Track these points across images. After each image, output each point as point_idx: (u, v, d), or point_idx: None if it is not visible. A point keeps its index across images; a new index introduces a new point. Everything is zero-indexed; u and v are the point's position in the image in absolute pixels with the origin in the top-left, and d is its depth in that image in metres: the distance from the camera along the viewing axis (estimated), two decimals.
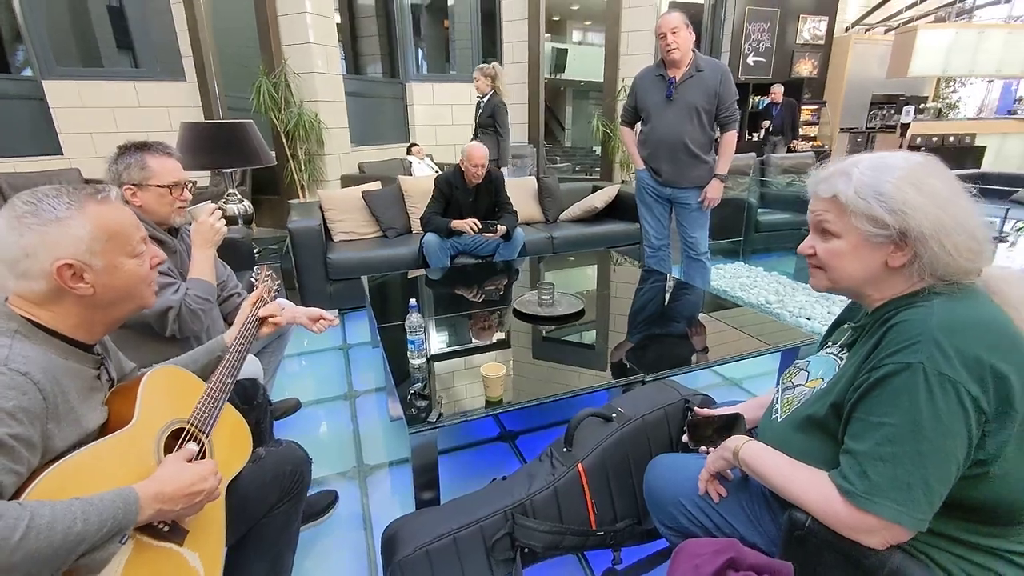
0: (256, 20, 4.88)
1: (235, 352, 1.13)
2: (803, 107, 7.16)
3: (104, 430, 0.84)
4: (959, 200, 0.75)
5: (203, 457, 0.91)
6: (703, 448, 1.08)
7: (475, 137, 4.34)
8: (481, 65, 4.23)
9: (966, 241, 0.72)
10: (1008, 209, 2.88)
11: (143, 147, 1.45)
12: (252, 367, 1.51)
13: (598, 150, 6.86)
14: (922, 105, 7.35)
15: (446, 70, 7.54)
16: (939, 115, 7.34)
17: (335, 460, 1.84)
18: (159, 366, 0.99)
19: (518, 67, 6.62)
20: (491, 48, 6.92)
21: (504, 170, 4.14)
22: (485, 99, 4.20)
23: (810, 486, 0.76)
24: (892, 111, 7.37)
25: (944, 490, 0.68)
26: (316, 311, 1.61)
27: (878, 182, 0.75)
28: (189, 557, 0.82)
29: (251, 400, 1.32)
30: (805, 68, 7.28)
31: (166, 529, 0.80)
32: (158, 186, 1.43)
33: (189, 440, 0.91)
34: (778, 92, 6.59)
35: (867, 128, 7.51)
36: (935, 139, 6.63)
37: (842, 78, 7.28)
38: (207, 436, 0.94)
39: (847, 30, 7.46)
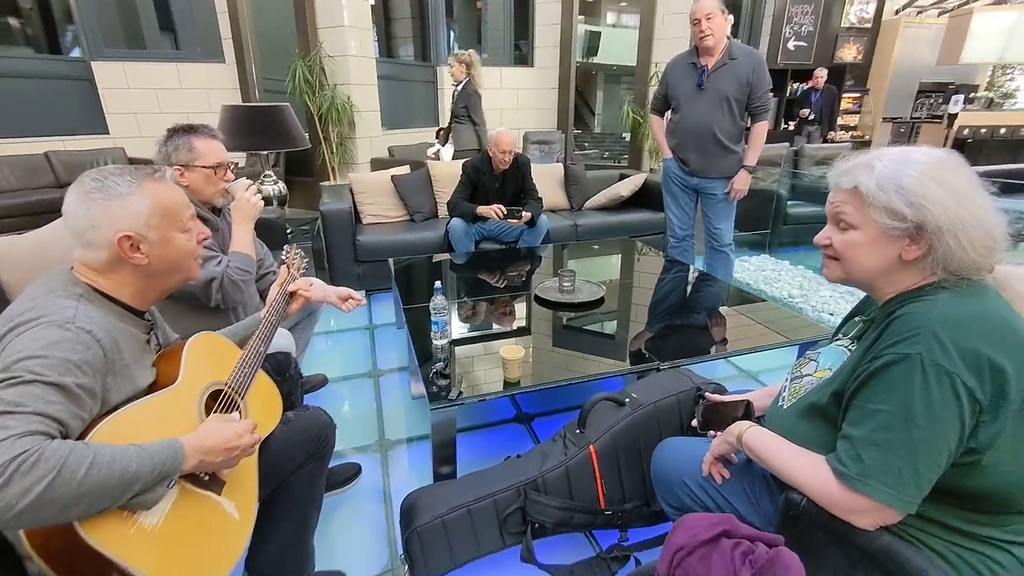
0: (293, 2, 4.98)
1: (267, 323, 1.21)
2: (844, 95, 6.90)
3: (152, 388, 0.94)
4: (977, 197, 0.76)
5: (240, 417, 1.00)
6: (711, 432, 1.11)
7: (450, 126, 4.26)
8: (456, 52, 4.16)
9: (982, 238, 0.73)
10: None
11: (190, 130, 1.54)
12: (285, 341, 1.60)
13: (628, 136, 6.77)
14: (972, 94, 6.98)
15: (478, 52, 7.53)
16: (990, 105, 6.97)
17: (358, 435, 1.93)
18: (201, 333, 1.08)
19: (549, 51, 6.57)
20: (523, 31, 6.88)
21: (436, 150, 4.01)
22: (460, 87, 4.11)
23: (807, 468, 0.79)
24: (940, 100, 7.03)
25: (934, 476, 0.70)
26: (345, 291, 1.69)
27: (900, 175, 0.76)
28: (226, 504, 0.91)
29: (284, 372, 1.41)
30: (849, 53, 6.99)
31: (206, 478, 0.89)
32: (204, 167, 1.52)
33: (227, 400, 1.00)
34: (821, 77, 6.29)
35: (912, 118, 7.20)
36: (983, 131, 6.32)
37: (888, 64, 6.96)
38: (242, 398, 1.03)
39: (897, 12, 7.11)
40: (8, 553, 0.74)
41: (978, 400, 0.68)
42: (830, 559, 0.77)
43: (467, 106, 4.10)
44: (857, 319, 0.96)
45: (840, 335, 0.98)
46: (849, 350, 0.89)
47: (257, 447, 0.99)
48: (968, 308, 0.72)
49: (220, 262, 1.51)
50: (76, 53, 5.05)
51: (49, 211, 4.12)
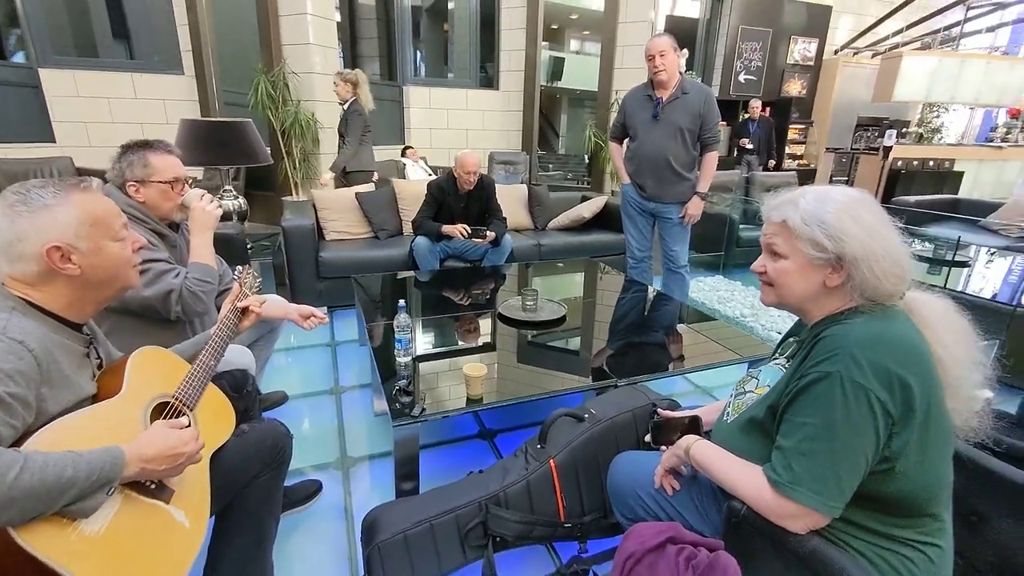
0: (257, 19, 4.95)
1: (217, 338, 1.20)
2: (791, 126, 7.35)
3: (95, 402, 0.92)
4: (887, 232, 0.86)
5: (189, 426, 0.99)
6: (663, 447, 1.17)
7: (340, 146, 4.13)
8: (342, 70, 4.06)
9: (891, 267, 0.83)
10: (959, 236, 3.04)
11: (145, 145, 1.52)
12: (245, 358, 1.58)
13: (589, 159, 6.99)
14: (905, 129, 7.57)
15: (444, 74, 7.64)
16: (920, 139, 7.57)
17: (320, 452, 1.91)
18: (146, 347, 1.07)
19: (514, 75, 6.73)
20: (489, 54, 7.03)
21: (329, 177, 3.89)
22: (346, 106, 4.01)
23: (745, 477, 0.86)
24: (876, 134, 7.59)
25: (855, 481, 0.78)
26: (307, 308, 1.69)
27: (821, 211, 0.86)
28: (175, 513, 0.90)
29: (241, 388, 1.39)
30: (794, 88, 7.48)
31: (153, 487, 0.89)
32: (160, 182, 1.50)
33: (174, 413, 1.00)
34: (756, 107, 6.49)
35: (852, 149, 7.72)
36: (915, 163, 6.84)
37: (829, 99, 7.48)
38: (191, 411, 1.02)
39: (836, 52, 7.68)
40: None
41: (890, 413, 0.77)
42: (767, 562, 0.83)
43: (347, 124, 3.97)
44: (791, 340, 1.05)
45: (778, 354, 1.07)
46: (784, 368, 0.98)
47: (204, 454, 0.99)
48: (881, 330, 0.81)
49: (178, 274, 1.49)
50: (20, 58, 4.84)
51: None
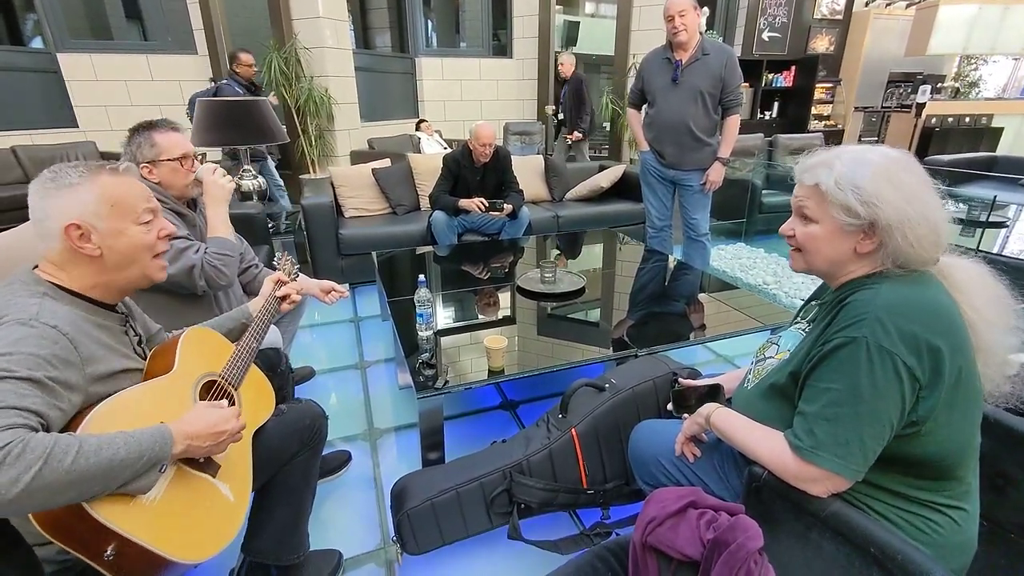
0: None
1: (259, 321, 1.26)
2: (818, 84, 7.05)
3: (146, 378, 0.97)
4: (926, 196, 0.82)
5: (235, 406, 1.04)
6: (685, 415, 1.18)
7: None
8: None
9: (928, 234, 0.80)
10: (995, 196, 2.91)
11: (149, 126, 1.53)
12: (273, 336, 1.62)
13: (608, 127, 6.83)
14: (940, 84, 7.19)
15: (456, 43, 7.49)
16: (956, 95, 7.20)
17: (347, 424, 1.98)
18: (195, 326, 1.12)
19: (528, 41, 6.57)
20: (501, 21, 6.85)
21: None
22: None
23: (767, 443, 0.87)
24: (909, 90, 7.23)
25: (878, 447, 0.78)
26: (328, 283, 1.72)
27: (856, 175, 0.82)
28: (220, 487, 0.96)
29: (275, 368, 1.44)
30: (821, 44, 7.14)
31: (201, 461, 0.94)
32: (169, 160, 1.52)
33: (220, 391, 1.04)
34: (564, 65, 5.18)
35: (882, 107, 7.39)
36: (950, 120, 6.52)
37: (859, 55, 7.13)
38: (236, 389, 1.07)
39: (867, 4, 7.27)
40: (18, 545, 0.77)
41: (917, 378, 0.76)
42: (788, 525, 0.84)
43: None
44: (814, 303, 1.03)
45: (799, 318, 1.06)
46: (805, 332, 0.97)
47: (246, 433, 1.03)
48: (909, 295, 0.80)
49: (197, 250, 1.51)
50: (38, 44, 4.89)
51: (19, 207, 4.02)
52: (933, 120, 6.50)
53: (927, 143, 6.41)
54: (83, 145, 4.72)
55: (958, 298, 0.82)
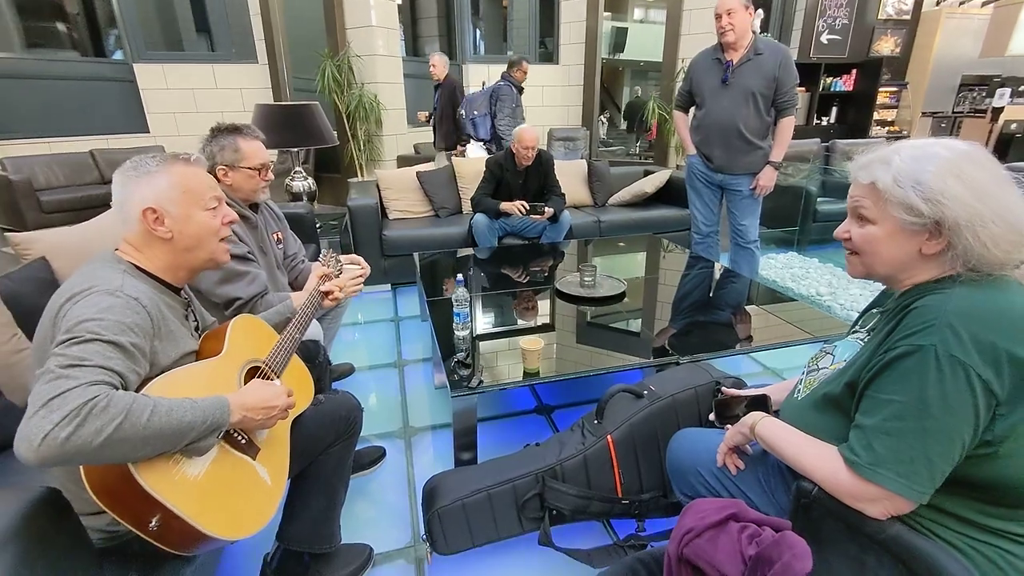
0: (323, 3, 5.09)
1: (303, 314, 1.29)
2: (881, 89, 6.67)
3: (197, 360, 1.02)
4: (1001, 192, 0.74)
5: None
6: (728, 425, 1.12)
7: None
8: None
9: (1005, 233, 0.72)
10: None
11: (235, 130, 1.57)
12: (314, 330, 1.67)
13: (651, 132, 6.70)
14: (1021, 88, 6.67)
15: (503, 50, 7.56)
16: None
17: (384, 421, 2.00)
18: (244, 315, 1.17)
19: (575, 48, 6.54)
20: (548, 28, 6.87)
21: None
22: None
23: (819, 458, 0.80)
24: (984, 94, 6.74)
25: (947, 467, 0.70)
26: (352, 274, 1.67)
27: (918, 171, 0.76)
28: (259, 469, 0.99)
29: (313, 359, 1.47)
30: (886, 46, 6.76)
31: (243, 442, 0.97)
32: (249, 168, 1.57)
33: (264, 377, 1.08)
34: (436, 66, 4.55)
35: (953, 112, 6.92)
36: None
37: (928, 57, 6.71)
38: (279, 376, 1.10)
39: (938, 3, 6.84)
40: (68, 515, 0.81)
41: (994, 393, 0.68)
42: (840, 545, 0.78)
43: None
44: (874, 311, 0.96)
45: (857, 327, 0.98)
46: (864, 342, 0.90)
47: (291, 414, 1.06)
48: (986, 301, 0.72)
49: (252, 282, 1.48)
50: (119, 56, 5.28)
51: (94, 206, 4.33)
52: (1013, 125, 6.02)
53: (1005, 149, 5.94)
54: (153, 149, 5.03)
55: None
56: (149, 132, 5.37)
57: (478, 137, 4.53)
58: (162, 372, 0.89)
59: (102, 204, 1.21)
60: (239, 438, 0.96)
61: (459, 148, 4.66)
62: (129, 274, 0.95)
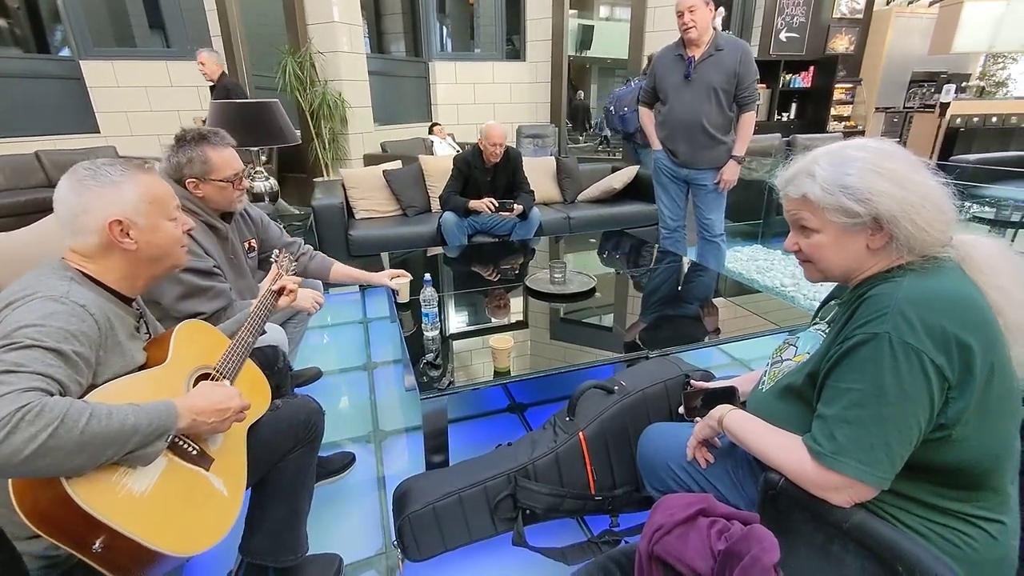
0: None
1: (255, 317, 1.24)
2: (837, 85, 6.90)
3: (142, 370, 0.96)
4: (920, 177, 0.78)
5: None
6: (697, 418, 1.13)
7: None
8: None
9: (935, 214, 0.76)
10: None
11: (202, 139, 1.46)
12: (278, 336, 1.60)
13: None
14: (964, 83, 7.00)
15: (470, 48, 7.50)
16: (982, 94, 7.00)
17: (353, 425, 1.95)
18: (189, 320, 1.11)
19: (542, 45, 6.55)
20: (515, 26, 6.85)
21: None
22: None
23: (784, 448, 0.81)
24: (932, 90, 7.05)
25: (905, 452, 0.72)
26: (317, 293, 1.65)
27: (840, 176, 0.78)
28: (214, 481, 0.94)
29: (272, 365, 1.42)
30: (841, 44, 7.00)
31: (195, 453, 0.92)
32: (220, 180, 1.47)
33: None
34: (208, 65, 4.00)
35: (904, 107, 7.22)
36: (976, 119, 6.33)
37: (880, 55, 6.97)
38: (231, 382, 1.06)
39: (888, 3, 7.12)
40: (1, 542, 0.75)
41: (946, 377, 0.70)
42: (807, 536, 0.78)
43: None
44: (833, 303, 0.98)
45: (818, 319, 1.00)
46: (825, 333, 0.91)
47: (242, 428, 1.03)
48: (933, 287, 0.74)
49: (216, 297, 1.43)
50: (65, 52, 5.02)
51: (40, 211, 4.09)
52: (958, 120, 6.31)
53: (952, 143, 6.23)
54: (103, 150, 4.80)
55: (980, 279, 0.77)
56: (99, 132, 5.12)
57: (627, 132, 4.49)
58: (101, 384, 0.84)
59: (49, 208, 1.14)
60: (190, 449, 0.92)
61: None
62: (76, 281, 0.90)
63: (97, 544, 0.73)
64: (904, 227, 0.75)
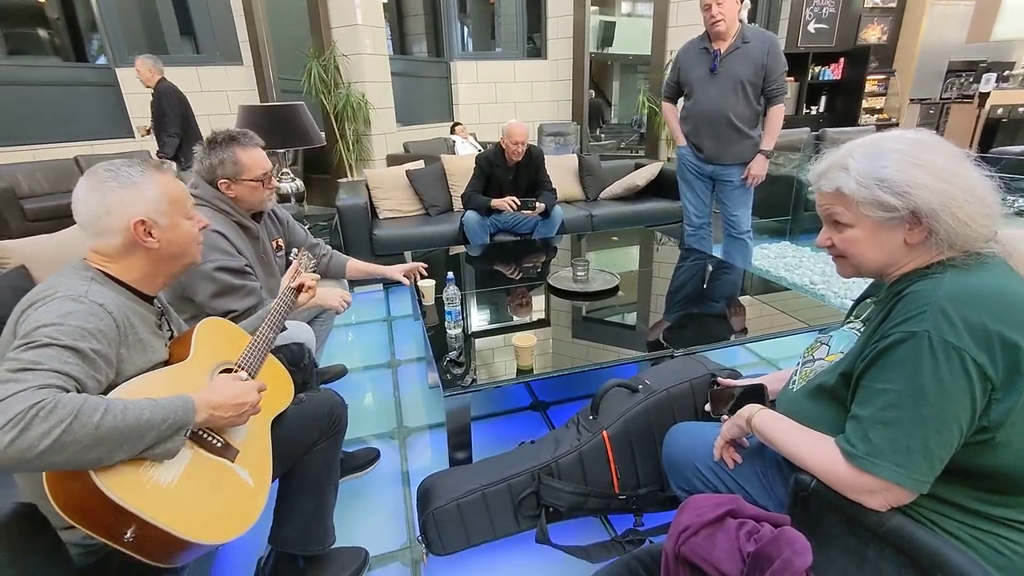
0: (307, 3, 5.03)
1: (275, 313, 1.25)
2: (869, 77, 6.68)
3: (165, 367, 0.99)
4: (962, 169, 0.74)
5: None
6: (723, 417, 1.11)
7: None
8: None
9: (978, 207, 0.73)
10: None
11: (232, 140, 1.50)
12: (305, 335, 1.63)
13: (642, 126, 6.69)
14: (1007, 72, 6.69)
15: (491, 47, 7.51)
16: None
17: (378, 422, 1.97)
18: (211, 318, 1.14)
19: (563, 42, 6.51)
20: (536, 24, 6.83)
21: None
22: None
23: (816, 450, 0.79)
24: (971, 79, 6.77)
25: (945, 454, 0.69)
26: (344, 292, 1.68)
27: (876, 168, 0.75)
28: (240, 472, 0.96)
29: (298, 362, 1.44)
30: (873, 34, 6.77)
31: (219, 445, 0.95)
32: (251, 180, 1.52)
33: None
34: (144, 71, 3.93)
35: (941, 99, 6.94)
36: (1020, 110, 6.05)
37: (915, 44, 6.72)
38: (253, 377, 1.08)
39: None
40: (44, 529, 0.78)
41: (989, 377, 0.67)
42: (840, 539, 0.76)
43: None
44: (868, 300, 0.94)
45: (852, 317, 0.97)
46: (860, 332, 0.88)
47: (264, 419, 1.05)
48: (975, 283, 0.71)
49: (247, 295, 1.46)
50: (102, 61, 5.20)
51: None
52: (1000, 110, 6.05)
53: (992, 135, 5.97)
54: (138, 154, 4.97)
55: None
56: (134, 137, 5.29)
57: None
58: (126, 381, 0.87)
59: None
60: (214, 441, 0.94)
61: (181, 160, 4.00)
62: (96, 281, 0.93)
63: (128, 534, 0.75)
64: (944, 221, 0.72)
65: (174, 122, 4.04)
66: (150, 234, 0.97)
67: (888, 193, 0.74)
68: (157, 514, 0.76)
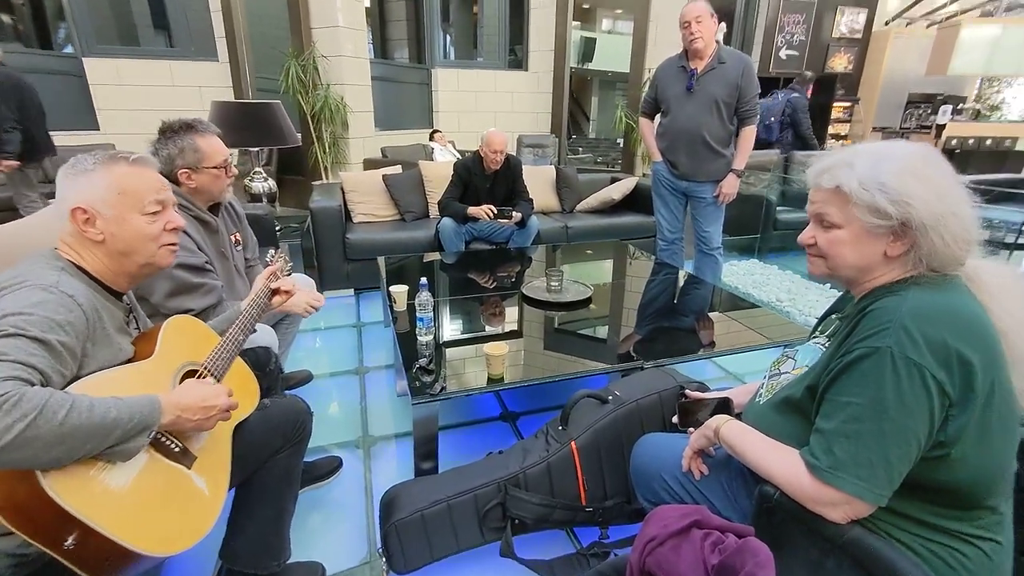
0: (287, 2, 4.97)
1: (247, 315, 1.22)
2: (835, 104, 6.97)
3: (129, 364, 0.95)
4: (955, 192, 0.76)
5: None
6: (691, 429, 1.11)
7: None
8: None
9: (962, 232, 0.74)
10: None
11: (189, 128, 1.45)
12: (268, 338, 1.58)
13: (621, 141, 6.81)
14: (960, 105, 7.08)
15: (473, 56, 7.55)
16: (978, 116, 7.07)
17: (342, 430, 1.92)
18: (179, 315, 1.10)
19: (544, 55, 6.60)
20: (518, 36, 6.90)
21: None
22: None
23: (781, 461, 0.79)
24: (929, 111, 7.13)
25: (904, 468, 0.71)
26: (316, 294, 1.62)
27: (880, 173, 0.76)
28: (196, 479, 0.92)
29: (264, 367, 1.40)
30: (840, 63, 7.09)
31: (177, 450, 0.90)
32: (212, 168, 1.46)
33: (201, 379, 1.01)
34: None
35: (901, 128, 7.28)
36: (971, 141, 6.41)
37: (878, 75, 7.05)
38: (219, 380, 1.04)
39: (887, 23, 7.21)
40: None
41: (947, 393, 0.69)
42: (802, 550, 0.77)
43: None
44: (834, 316, 0.97)
45: (817, 333, 0.99)
46: (824, 347, 0.90)
47: (233, 417, 1.01)
48: (937, 302, 0.73)
49: (208, 293, 1.41)
50: (68, 50, 5.02)
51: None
52: (954, 141, 6.39)
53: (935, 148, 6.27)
54: (102, 148, 4.75)
55: (990, 304, 0.75)
56: (99, 130, 5.10)
57: (769, 140, 4.93)
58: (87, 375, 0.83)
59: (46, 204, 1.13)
60: (172, 446, 0.90)
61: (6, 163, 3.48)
62: (67, 272, 0.90)
63: (70, 541, 0.71)
64: (931, 239, 0.73)
65: (8, 116, 3.41)
66: (92, 224, 0.93)
67: (887, 200, 0.74)
68: (103, 520, 0.72)
